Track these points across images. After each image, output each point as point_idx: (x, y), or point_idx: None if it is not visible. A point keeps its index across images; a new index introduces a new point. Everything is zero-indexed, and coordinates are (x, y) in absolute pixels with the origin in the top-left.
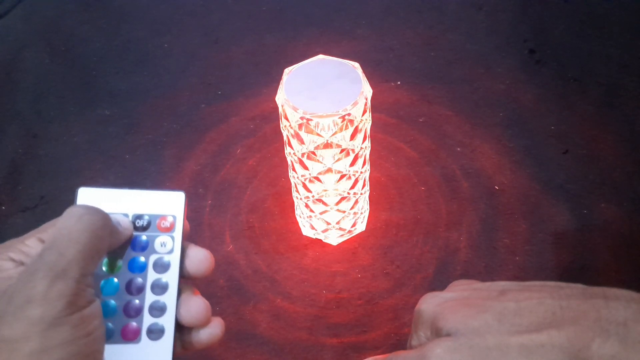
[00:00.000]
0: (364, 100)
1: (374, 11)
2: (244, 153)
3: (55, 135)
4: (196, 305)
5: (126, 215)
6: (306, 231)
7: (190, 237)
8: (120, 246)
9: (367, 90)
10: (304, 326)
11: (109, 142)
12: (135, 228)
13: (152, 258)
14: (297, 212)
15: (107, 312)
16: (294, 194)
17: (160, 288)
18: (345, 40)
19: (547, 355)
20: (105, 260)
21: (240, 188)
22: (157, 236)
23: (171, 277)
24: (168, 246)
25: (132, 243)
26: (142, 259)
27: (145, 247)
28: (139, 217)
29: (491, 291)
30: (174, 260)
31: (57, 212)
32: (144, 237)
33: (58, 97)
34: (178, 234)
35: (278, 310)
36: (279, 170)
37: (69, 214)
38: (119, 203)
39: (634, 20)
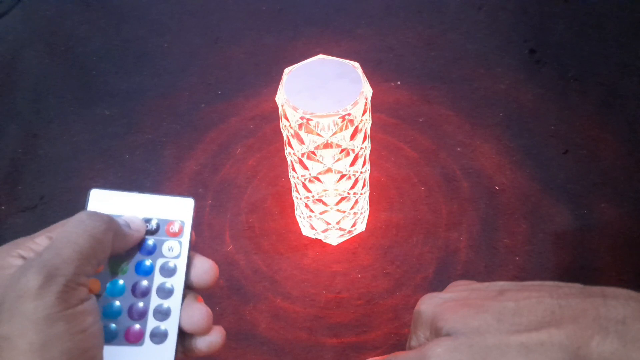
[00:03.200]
0: (364, 100)
1: (374, 11)
2: (244, 153)
3: (55, 135)
4: (198, 312)
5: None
6: (306, 231)
7: (192, 242)
8: (129, 249)
9: (367, 90)
10: (304, 326)
11: (109, 142)
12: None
13: (159, 262)
14: (297, 212)
15: (112, 313)
16: (294, 194)
17: (165, 292)
18: (345, 40)
19: (547, 353)
20: (112, 262)
21: (240, 188)
22: (165, 240)
23: (177, 282)
24: (175, 251)
25: (140, 246)
26: (149, 262)
27: (152, 251)
28: (148, 220)
29: (490, 291)
30: (181, 265)
31: (57, 212)
32: (151, 241)
33: (58, 97)
34: (186, 239)
35: (278, 310)
36: (279, 170)
37: (74, 218)
38: (129, 206)
39: (634, 20)
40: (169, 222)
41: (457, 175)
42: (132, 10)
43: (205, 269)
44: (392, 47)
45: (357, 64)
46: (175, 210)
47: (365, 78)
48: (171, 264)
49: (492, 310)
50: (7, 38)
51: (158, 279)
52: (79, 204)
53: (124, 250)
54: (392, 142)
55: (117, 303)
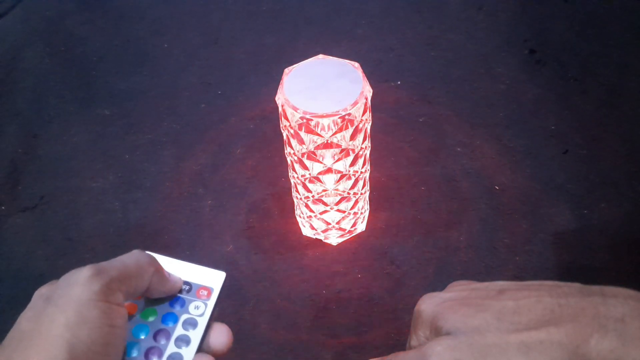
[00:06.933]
0: (364, 100)
1: (374, 11)
2: (244, 153)
3: (55, 135)
4: None
5: None
6: (306, 231)
7: (191, 241)
8: (161, 301)
9: (367, 90)
10: (304, 326)
11: (109, 142)
12: (179, 291)
13: (184, 316)
14: (297, 212)
15: (131, 351)
16: (294, 194)
17: (183, 342)
18: (345, 40)
19: (546, 351)
20: (143, 310)
21: (240, 188)
22: (194, 300)
23: (195, 335)
24: (200, 310)
25: (171, 301)
26: (175, 315)
27: (181, 306)
28: (185, 282)
29: (490, 291)
30: (202, 321)
31: (57, 212)
32: (182, 299)
33: (58, 97)
34: (211, 302)
35: (278, 310)
36: (279, 170)
37: (129, 253)
38: (173, 269)
39: (634, 20)
40: (201, 287)
41: (457, 175)
42: (132, 10)
43: (223, 330)
44: (392, 47)
45: (357, 64)
46: (208, 279)
47: (365, 78)
48: (193, 319)
49: (492, 310)
50: (7, 38)
51: (179, 330)
52: (79, 204)
53: (159, 292)
54: (392, 142)
55: (138, 344)
